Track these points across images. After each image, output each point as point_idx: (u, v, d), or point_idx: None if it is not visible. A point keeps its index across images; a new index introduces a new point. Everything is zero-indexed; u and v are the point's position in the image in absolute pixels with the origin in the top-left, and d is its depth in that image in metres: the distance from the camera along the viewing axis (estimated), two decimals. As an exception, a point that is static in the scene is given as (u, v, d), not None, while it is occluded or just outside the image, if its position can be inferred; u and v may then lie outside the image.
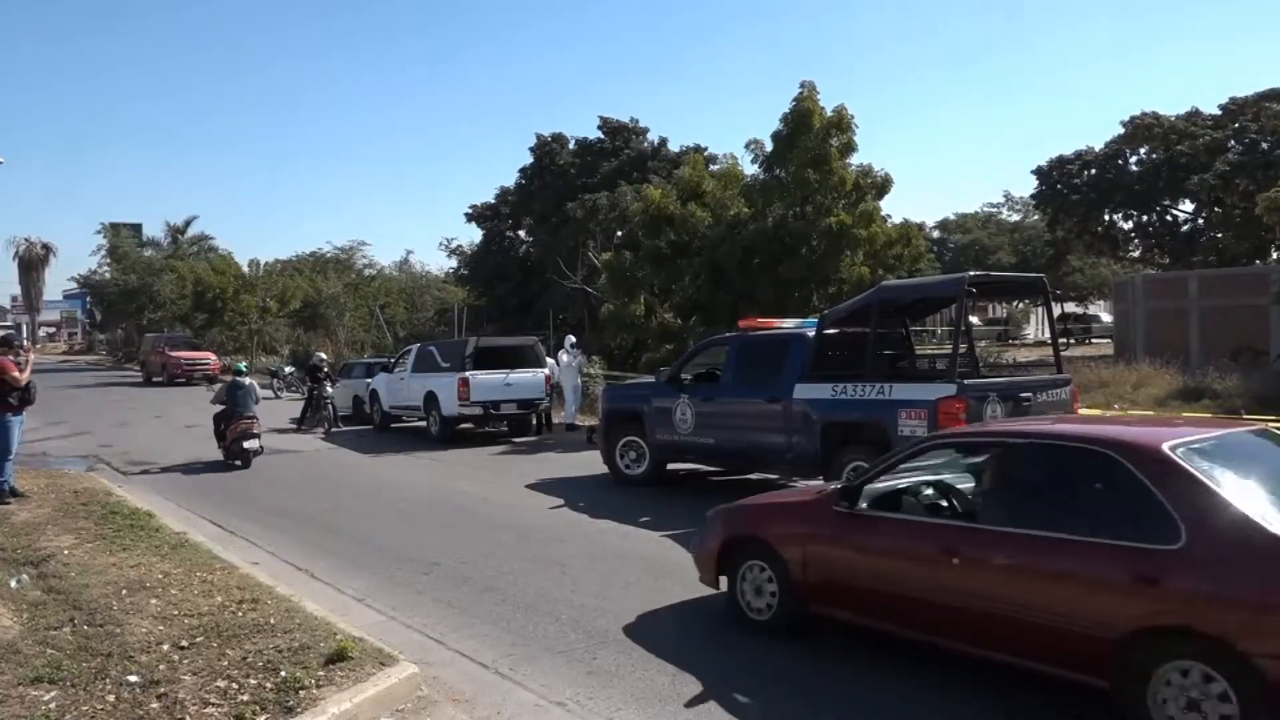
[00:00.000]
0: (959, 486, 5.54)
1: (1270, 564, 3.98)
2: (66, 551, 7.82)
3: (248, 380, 14.72)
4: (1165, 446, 4.52)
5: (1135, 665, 4.19)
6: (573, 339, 19.58)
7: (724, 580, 6.21)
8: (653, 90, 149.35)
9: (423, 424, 18.15)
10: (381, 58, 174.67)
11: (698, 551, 6.50)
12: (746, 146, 20.77)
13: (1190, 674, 4.03)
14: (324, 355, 21.64)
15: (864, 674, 5.27)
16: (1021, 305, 56.35)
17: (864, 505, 5.47)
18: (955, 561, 4.86)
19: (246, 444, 14.05)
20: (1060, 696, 4.64)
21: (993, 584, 4.74)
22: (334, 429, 19.15)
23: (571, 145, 42.23)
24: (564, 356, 18.80)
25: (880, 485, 5.58)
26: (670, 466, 12.02)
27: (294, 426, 19.59)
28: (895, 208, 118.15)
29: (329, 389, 19.75)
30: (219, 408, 14.65)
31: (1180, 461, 4.42)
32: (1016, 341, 45.15)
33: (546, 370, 17.91)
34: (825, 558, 5.57)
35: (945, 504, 5.45)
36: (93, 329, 70.43)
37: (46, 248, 72.06)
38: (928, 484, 5.63)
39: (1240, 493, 4.31)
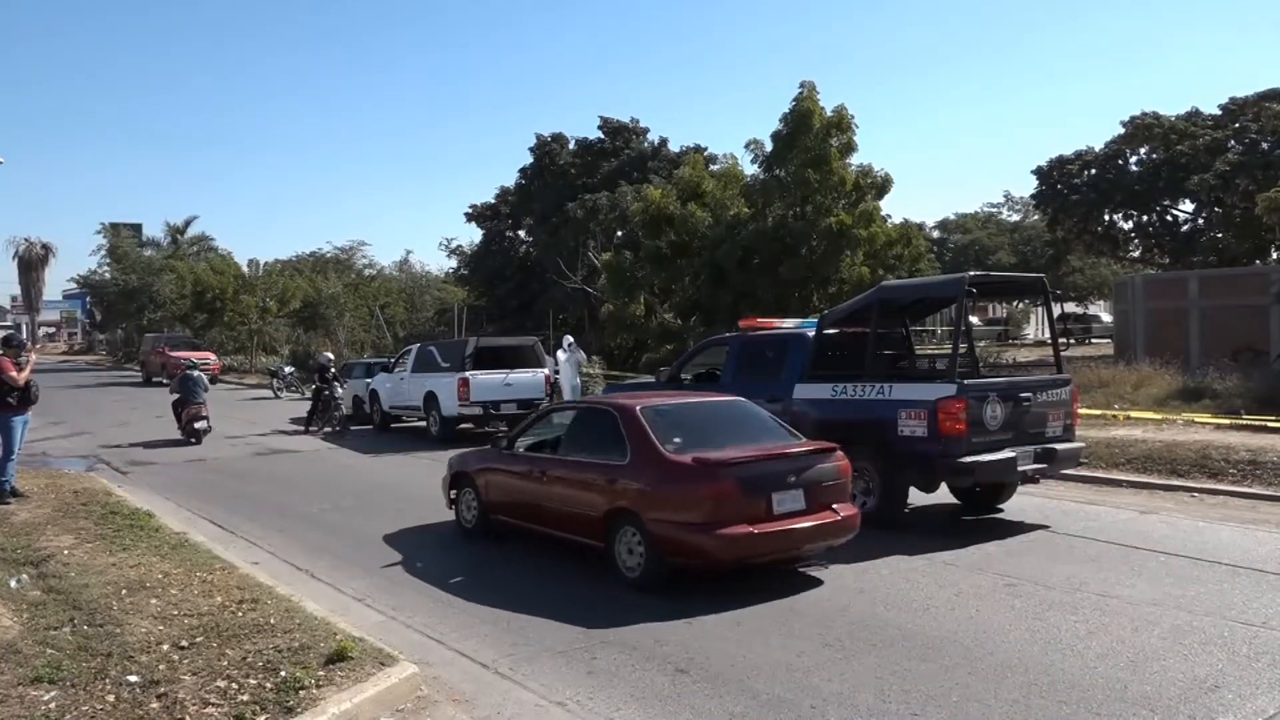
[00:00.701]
0: (555, 435, 8.64)
1: (658, 470, 7.03)
2: (66, 551, 7.82)
3: (196, 373, 17.99)
4: (636, 407, 7.57)
5: (610, 531, 7.26)
6: (570, 339, 19.52)
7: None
8: (653, 90, 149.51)
9: (423, 424, 18.13)
10: (382, 57, 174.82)
11: (443, 484, 9.70)
12: (746, 146, 20.81)
13: (629, 534, 7.10)
14: (330, 355, 21.53)
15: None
16: (1021, 305, 56.36)
17: (512, 447, 8.77)
18: (543, 478, 8.04)
19: (197, 424, 17.30)
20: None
21: (557, 490, 7.90)
22: (345, 430, 18.55)
23: (572, 145, 42.24)
24: (561, 355, 18.77)
25: (524, 438, 8.88)
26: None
27: (299, 428, 19.17)
28: (895, 208, 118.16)
29: (339, 389, 19.29)
30: (175, 396, 17.86)
31: (639, 416, 7.45)
32: (1016, 341, 45.14)
33: (547, 370, 17.90)
34: (494, 482, 8.83)
35: (547, 445, 8.55)
36: (93, 329, 70.45)
37: (46, 248, 71.96)
38: (543, 433, 8.83)
39: (661, 433, 7.25)
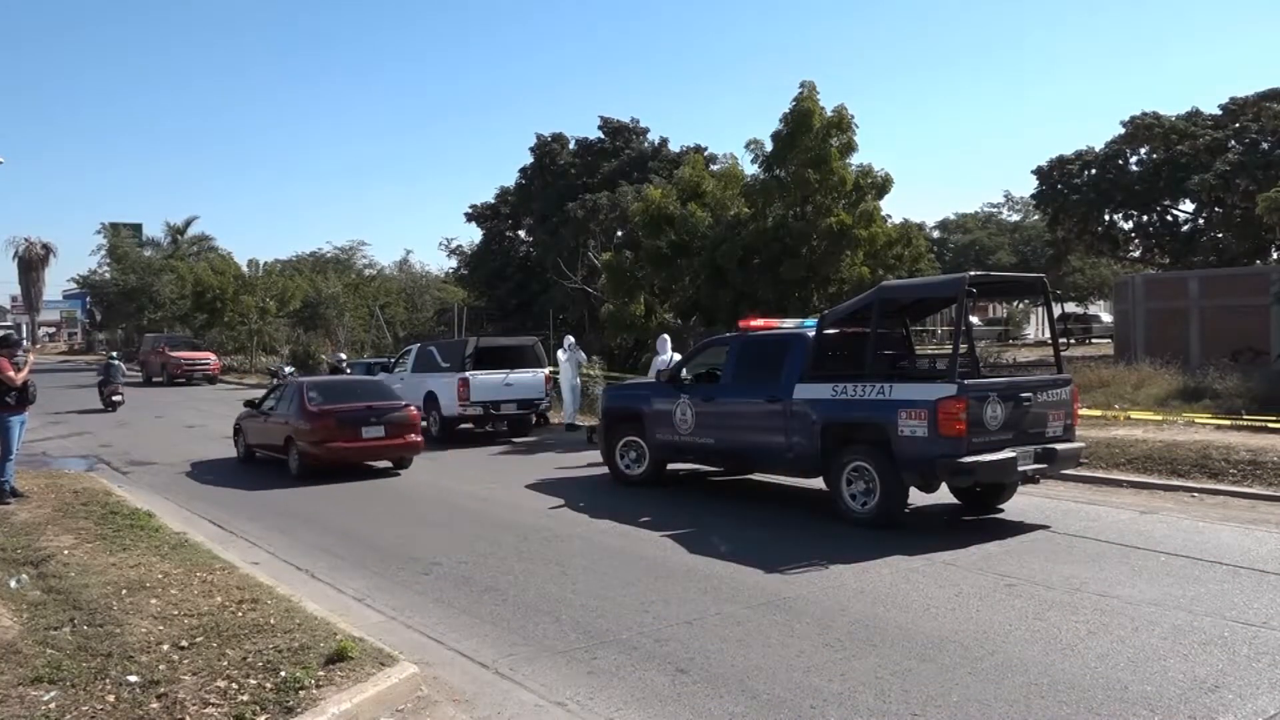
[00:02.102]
0: (273, 402, 14.41)
1: (303, 415, 13.01)
2: (66, 551, 7.82)
3: (118, 362, 25.47)
4: (304, 382, 14.01)
5: (286, 449, 13.43)
6: (571, 339, 19.51)
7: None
8: (653, 90, 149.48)
9: (423, 424, 18.11)
10: (382, 57, 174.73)
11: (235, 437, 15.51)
12: (746, 146, 20.75)
13: (292, 450, 13.23)
14: (344, 355, 21.39)
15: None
16: (1021, 305, 56.37)
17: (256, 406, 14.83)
18: (266, 419, 14.11)
19: (115, 398, 24.51)
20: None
21: (274, 427, 14.00)
22: None
23: (572, 145, 42.23)
24: (561, 355, 18.77)
25: (267, 401, 14.96)
26: (670, 466, 12.02)
27: None
28: (895, 208, 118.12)
29: None
30: (100, 379, 25.12)
31: (302, 386, 13.63)
32: (1017, 341, 45.16)
33: (547, 370, 17.89)
34: (248, 427, 15.16)
35: (270, 404, 14.29)
36: (93, 329, 70.44)
37: (46, 248, 72.03)
38: (272, 400, 14.72)
39: (311, 396, 13.32)
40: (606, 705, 4.96)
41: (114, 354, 27.51)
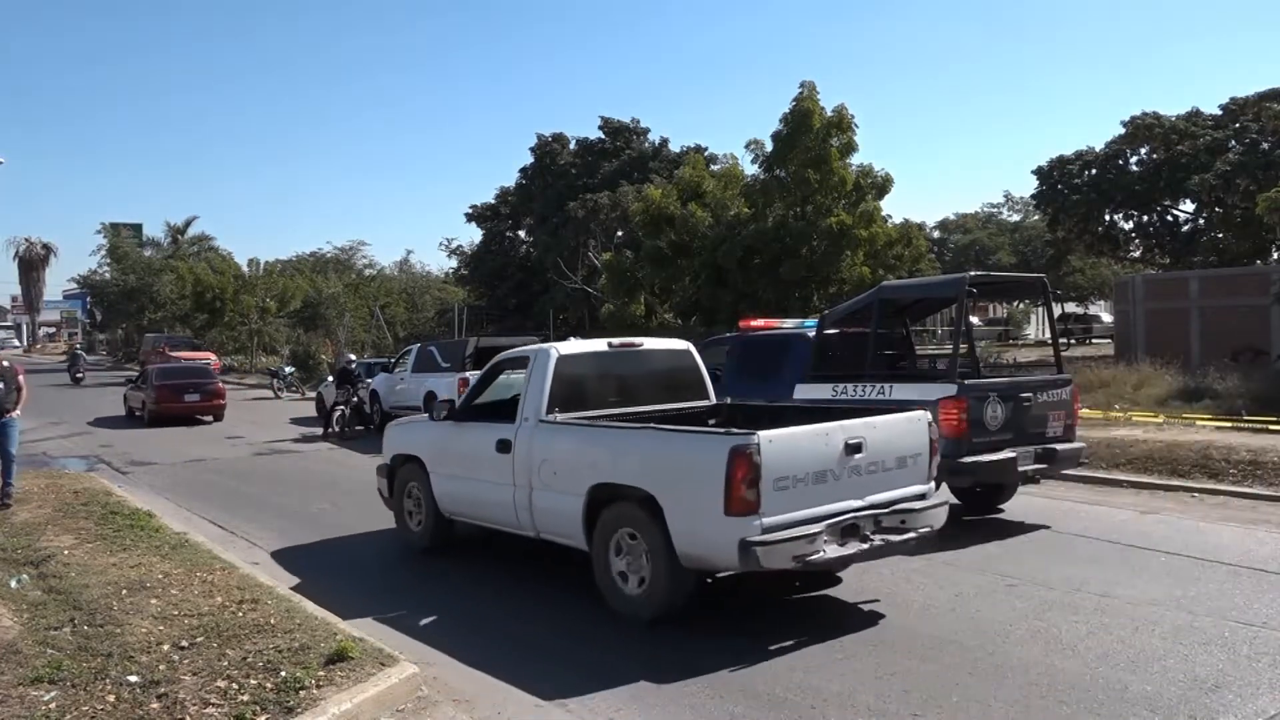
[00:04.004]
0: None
1: (152, 387, 21.79)
2: (66, 551, 7.82)
3: (80, 352, 35.56)
4: (155, 368, 23.92)
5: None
6: (573, 339, 19.40)
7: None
8: (653, 90, 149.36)
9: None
10: (381, 57, 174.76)
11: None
12: (746, 146, 20.79)
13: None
14: (353, 356, 21.28)
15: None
16: (1022, 305, 56.37)
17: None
18: (139, 387, 23.56)
19: (78, 375, 30.84)
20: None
21: (137, 394, 23.38)
22: (347, 430, 18.09)
23: (572, 145, 42.25)
24: None
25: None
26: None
27: (319, 433, 18.49)
28: (895, 208, 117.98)
29: (364, 393, 18.92)
30: (68, 364, 29.08)
31: (153, 371, 23.21)
32: (1017, 342, 45.16)
33: None
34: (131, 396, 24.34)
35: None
36: (93, 329, 70.46)
37: (46, 248, 72.15)
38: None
39: (159, 378, 22.20)
40: (606, 705, 4.95)
41: (78, 346, 46.31)
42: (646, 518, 6.12)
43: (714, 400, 8.24)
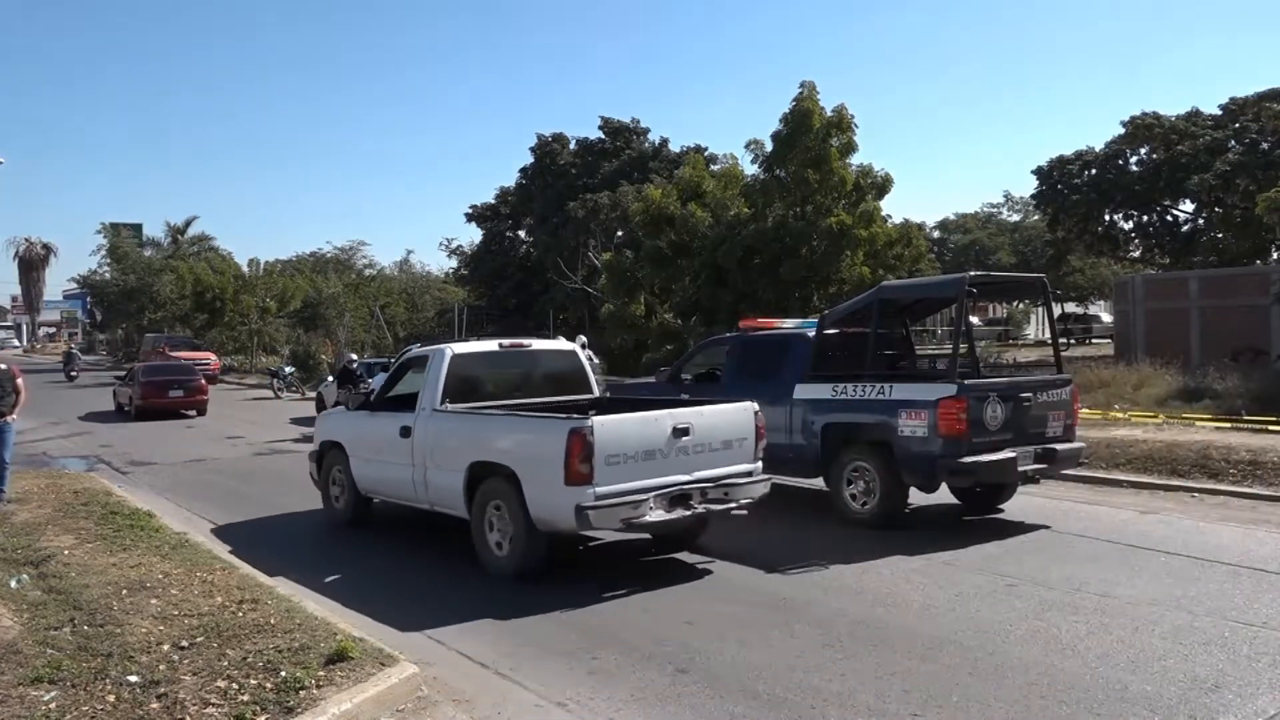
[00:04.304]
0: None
1: (137, 383, 23.13)
2: (66, 551, 7.81)
3: (75, 351, 37.19)
4: (139, 367, 25.50)
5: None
6: (584, 339, 19.12)
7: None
8: (653, 90, 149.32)
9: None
10: (381, 57, 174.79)
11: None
12: (746, 146, 20.79)
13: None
14: (355, 355, 21.26)
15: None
16: (1021, 305, 56.38)
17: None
18: (127, 383, 24.74)
19: (72, 373, 30.78)
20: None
21: (125, 390, 24.87)
22: None
23: (572, 145, 42.25)
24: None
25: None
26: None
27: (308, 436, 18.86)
28: (895, 208, 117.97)
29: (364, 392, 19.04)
30: (64, 362, 28.30)
31: (139, 369, 24.41)
32: (1017, 342, 45.15)
33: None
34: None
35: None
36: (93, 329, 70.46)
37: (46, 248, 72.11)
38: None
39: (145, 374, 23.53)
40: (606, 705, 4.96)
41: (73, 346, 48.65)
42: (510, 489, 7.24)
43: (597, 394, 9.37)
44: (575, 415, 7.14)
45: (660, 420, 7.23)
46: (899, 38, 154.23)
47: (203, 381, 23.93)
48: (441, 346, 8.89)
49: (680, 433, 7.20)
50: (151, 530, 8.78)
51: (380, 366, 20.98)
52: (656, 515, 7.01)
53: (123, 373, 27.07)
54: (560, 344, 10.03)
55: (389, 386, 9.46)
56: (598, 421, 6.83)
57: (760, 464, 7.85)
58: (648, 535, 7.90)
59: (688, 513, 7.20)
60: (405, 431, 8.41)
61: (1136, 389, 16.70)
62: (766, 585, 7.07)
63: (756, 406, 7.88)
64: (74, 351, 41.26)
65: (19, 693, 4.77)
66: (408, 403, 8.76)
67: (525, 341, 9.32)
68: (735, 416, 7.72)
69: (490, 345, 9.05)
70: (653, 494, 6.99)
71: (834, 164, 19.03)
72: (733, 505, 7.47)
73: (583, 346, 18.63)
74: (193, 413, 22.93)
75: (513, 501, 7.20)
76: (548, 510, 6.98)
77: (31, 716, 4.50)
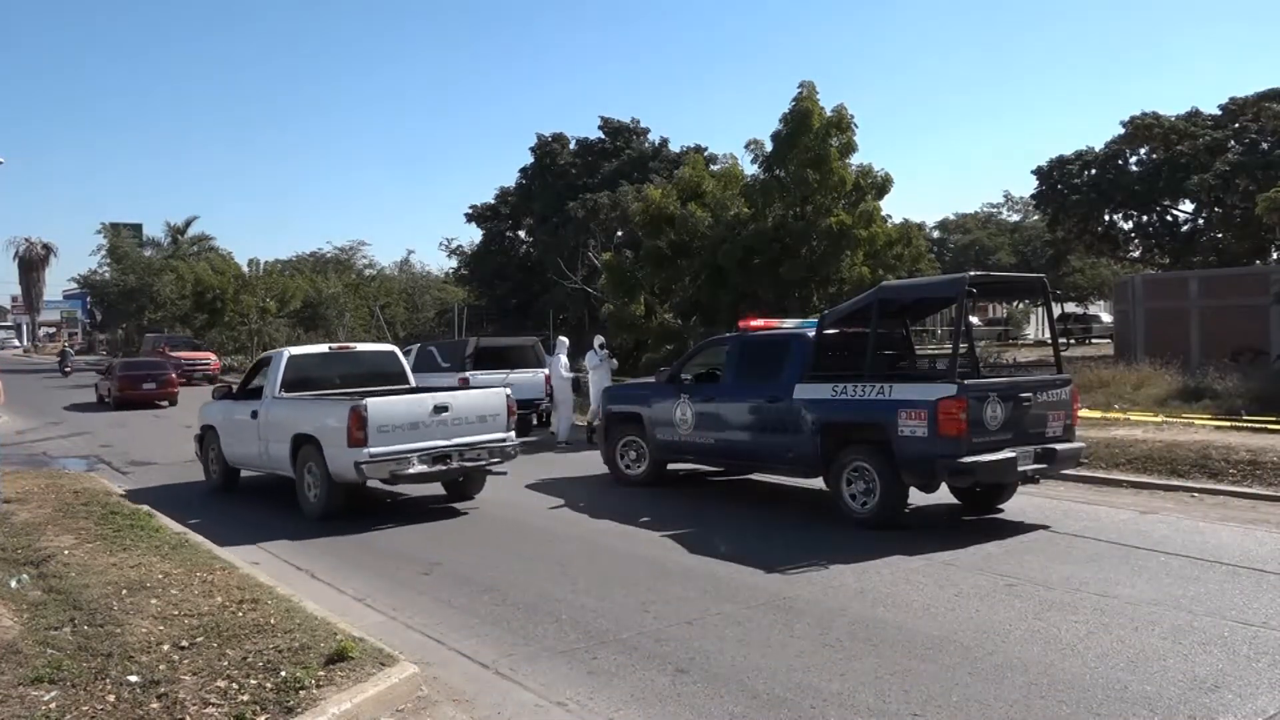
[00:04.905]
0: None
1: (115, 376, 25.84)
2: (66, 551, 7.81)
3: (70, 350, 39.60)
4: (117, 364, 28.19)
5: None
6: (601, 339, 18.73)
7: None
8: (653, 90, 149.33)
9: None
10: (382, 57, 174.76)
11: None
12: (746, 146, 20.76)
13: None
14: None
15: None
16: (1021, 305, 56.38)
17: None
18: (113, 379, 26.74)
19: (66, 369, 30.86)
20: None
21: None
22: None
23: (572, 145, 42.24)
24: (593, 360, 17.88)
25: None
26: (670, 466, 12.02)
27: None
28: (895, 208, 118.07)
29: None
30: (59, 360, 28.01)
31: (116, 365, 27.19)
32: (1016, 341, 45.16)
33: (546, 370, 17.74)
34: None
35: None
36: (93, 329, 70.43)
37: (46, 248, 71.98)
38: None
39: (122, 369, 26.48)
40: (606, 705, 4.96)
41: (68, 345, 53.66)
42: (316, 453, 9.79)
43: (411, 385, 11.68)
44: (356, 396, 9.72)
45: (423, 401, 9.88)
46: (899, 37, 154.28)
47: (173, 375, 26.70)
48: (282, 349, 11.70)
49: (440, 409, 9.75)
50: (151, 530, 8.79)
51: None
52: (419, 469, 9.58)
53: (103, 368, 29.11)
54: (382, 347, 13.10)
55: (247, 381, 11.90)
56: (371, 402, 9.41)
57: (513, 434, 10.44)
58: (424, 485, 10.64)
59: (445, 468, 9.80)
60: (254, 414, 10.88)
61: (1136, 389, 16.69)
62: (766, 585, 7.07)
63: (509, 390, 10.54)
64: (68, 350, 45.55)
65: (19, 693, 4.77)
66: (257, 393, 11.15)
67: (351, 345, 12.83)
68: (489, 398, 10.32)
69: (322, 348, 12.07)
70: (416, 454, 9.52)
71: (834, 164, 19.01)
72: (483, 463, 10.12)
73: (600, 347, 18.57)
74: (165, 403, 25.63)
75: (318, 461, 9.73)
76: (339, 466, 9.51)
77: (31, 716, 4.50)
